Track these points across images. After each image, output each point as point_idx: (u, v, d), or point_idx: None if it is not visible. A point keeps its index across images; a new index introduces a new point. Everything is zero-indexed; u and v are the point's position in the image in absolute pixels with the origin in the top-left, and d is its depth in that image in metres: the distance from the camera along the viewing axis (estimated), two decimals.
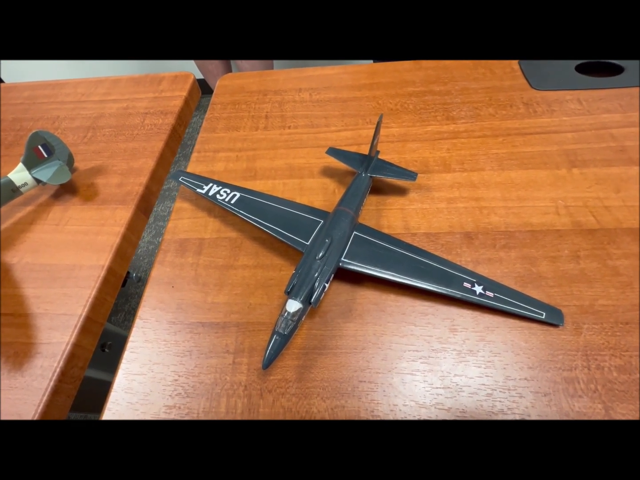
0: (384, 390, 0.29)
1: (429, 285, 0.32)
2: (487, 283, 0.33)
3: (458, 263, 0.34)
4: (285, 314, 0.30)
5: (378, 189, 0.42)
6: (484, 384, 0.29)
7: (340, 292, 0.35)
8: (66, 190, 0.46)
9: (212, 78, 1.44)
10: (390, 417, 0.28)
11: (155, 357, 0.33)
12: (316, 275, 0.31)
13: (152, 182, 0.47)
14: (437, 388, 0.29)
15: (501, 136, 0.45)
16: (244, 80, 0.58)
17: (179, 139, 0.54)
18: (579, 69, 0.50)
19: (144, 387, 0.31)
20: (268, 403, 0.30)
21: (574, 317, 0.31)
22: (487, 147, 0.44)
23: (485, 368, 0.30)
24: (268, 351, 0.29)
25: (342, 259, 0.34)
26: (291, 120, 0.51)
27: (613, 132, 0.43)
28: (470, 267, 0.34)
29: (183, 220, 0.42)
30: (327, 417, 0.29)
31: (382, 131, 0.47)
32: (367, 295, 0.34)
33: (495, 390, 0.29)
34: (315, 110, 0.52)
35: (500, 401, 0.28)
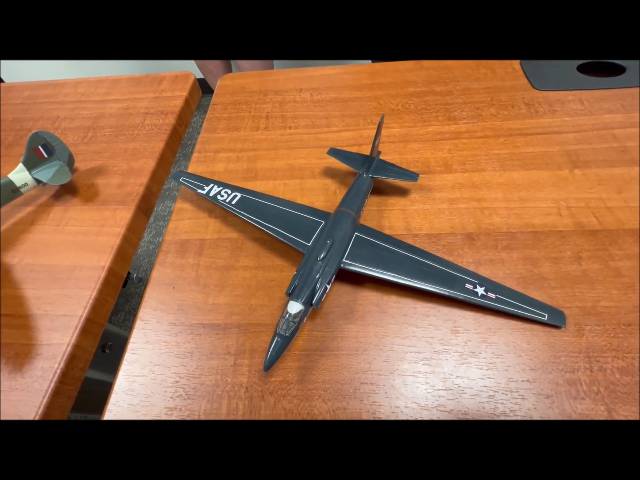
0: (386, 392, 0.29)
1: (430, 287, 0.32)
2: (489, 284, 0.32)
3: (460, 264, 0.34)
4: (287, 316, 0.29)
5: (379, 190, 0.42)
6: (486, 386, 0.29)
7: (342, 294, 0.34)
8: (66, 191, 0.46)
9: (212, 78, 1.43)
10: (392, 419, 0.28)
11: (156, 358, 0.33)
12: (317, 276, 0.31)
13: (152, 183, 0.46)
14: (439, 390, 0.29)
15: (503, 136, 0.45)
16: (245, 81, 0.58)
17: (179, 139, 0.54)
18: (581, 69, 0.50)
19: (144, 389, 0.31)
20: (269, 405, 0.30)
21: (576, 318, 0.31)
22: (488, 147, 0.44)
23: (487, 370, 0.29)
24: (269, 353, 0.29)
25: (344, 260, 0.33)
26: (292, 121, 0.51)
27: (615, 132, 0.43)
28: (472, 268, 0.34)
29: (184, 221, 0.42)
30: (328, 419, 0.29)
31: (383, 131, 0.47)
32: (369, 297, 0.34)
33: (498, 392, 0.29)
34: (316, 111, 0.52)
35: (502, 403, 0.28)
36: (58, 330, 0.34)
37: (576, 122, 0.45)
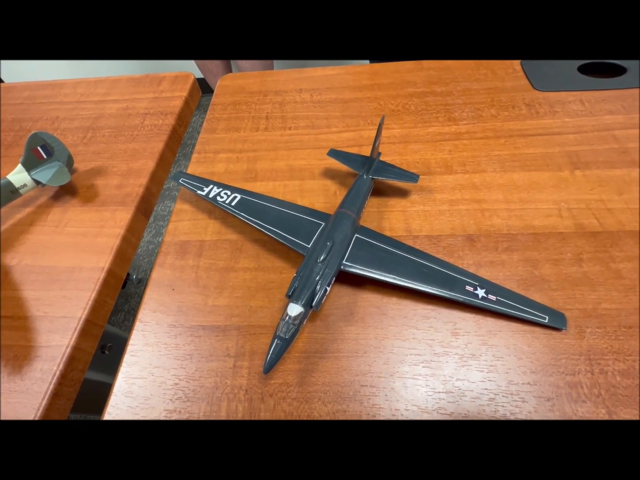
0: (386, 395, 0.29)
1: (431, 289, 0.32)
2: (490, 286, 0.32)
3: (460, 266, 0.34)
4: (287, 318, 0.29)
5: (379, 191, 0.42)
6: (486, 389, 0.29)
7: (342, 296, 0.34)
8: (66, 192, 0.45)
9: (212, 77, 1.43)
10: (392, 420, 0.28)
11: (156, 360, 0.32)
12: (317, 278, 0.31)
13: (152, 183, 0.46)
14: (439, 392, 0.29)
15: (503, 137, 0.45)
16: (245, 81, 0.58)
17: (179, 140, 0.54)
18: (582, 69, 0.50)
19: (144, 391, 0.31)
20: (269, 407, 0.29)
21: (577, 320, 0.31)
22: (489, 148, 0.44)
23: (487, 372, 0.29)
24: (269, 355, 0.29)
25: (344, 261, 0.33)
26: (292, 121, 0.51)
27: (616, 133, 0.43)
28: (472, 270, 0.34)
29: (183, 222, 0.42)
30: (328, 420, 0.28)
31: (384, 132, 0.47)
32: (369, 299, 0.34)
33: (498, 394, 0.28)
34: (316, 111, 0.52)
35: (502, 406, 0.28)
36: (57, 332, 0.34)
37: (577, 123, 0.45)
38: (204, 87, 0.85)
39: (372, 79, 0.55)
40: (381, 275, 0.33)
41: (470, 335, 0.31)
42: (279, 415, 0.29)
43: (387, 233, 0.38)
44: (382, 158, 0.43)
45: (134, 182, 0.45)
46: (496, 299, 0.31)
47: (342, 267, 0.33)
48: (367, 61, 0.91)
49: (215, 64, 1.39)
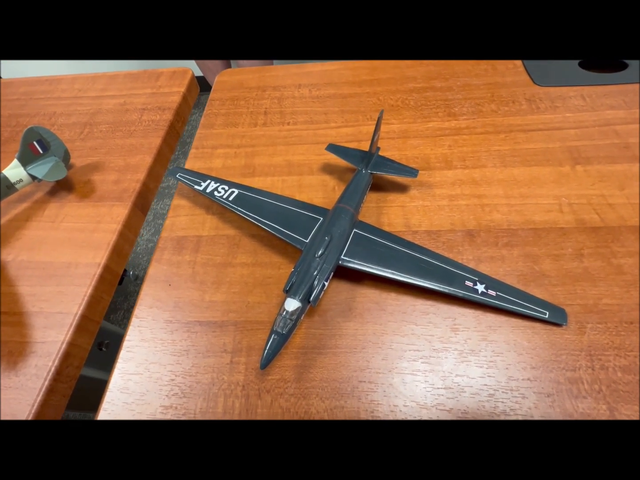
0: (384, 391, 0.29)
1: (430, 284, 0.32)
2: (489, 282, 0.32)
3: (460, 261, 0.34)
4: (284, 313, 0.29)
5: (378, 186, 0.41)
6: (486, 385, 0.28)
7: (340, 291, 0.34)
8: (62, 187, 0.45)
9: (211, 75, 1.43)
10: (391, 418, 0.28)
11: (152, 356, 0.32)
12: (315, 273, 0.31)
13: (149, 179, 0.46)
14: (438, 388, 0.29)
15: (503, 133, 0.44)
16: (243, 76, 0.57)
17: (177, 136, 0.54)
18: (583, 64, 0.50)
19: (140, 387, 0.31)
20: (266, 403, 0.29)
21: (577, 316, 0.31)
22: (489, 143, 0.43)
23: (487, 368, 0.29)
24: (266, 351, 0.29)
25: (342, 256, 0.33)
26: (290, 117, 0.50)
27: (617, 128, 0.43)
28: (472, 265, 0.34)
29: (180, 218, 0.41)
30: (326, 418, 0.28)
31: (383, 127, 0.46)
32: (367, 294, 0.34)
33: (498, 390, 0.28)
34: (314, 107, 0.51)
35: (502, 402, 0.28)
36: (53, 328, 0.34)
37: (578, 118, 0.44)
38: (202, 85, 0.85)
39: (371, 74, 0.54)
40: (380, 270, 0.32)
41: (470, 331, 0.31)
42: (276, 411, 0.29)
43: (386, 228, 0.37)
44: (381, 153, 0.42)
45: (131, 178, 0.45)
46: (496, 294, 0.31)
47: (340, 262, 0.33)
48: None
49: (214, 62, 1.39)
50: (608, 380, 0.28)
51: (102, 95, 0.57)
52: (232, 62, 1.49)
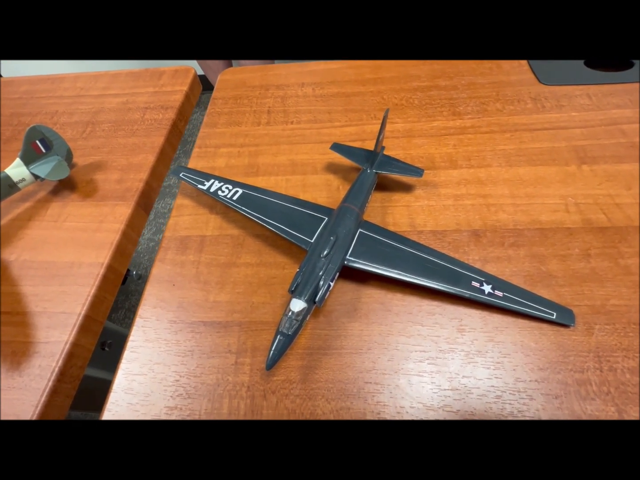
0: (391, 392, 0.29)
1: (436, 284, 0.31)
2: (496, 282, 0.32)
3: (466, 261, 0.33)
4: (289, 314, 0.29)
5: (383, 186, 0.41)
6: (493, 386, 0.28)
7: (345, 291, 0.34)
8: (65, 186, 0.45)
9: (212, 74, 1.43)
10: (397, 420, 0.28)
11: (156, 357, 0.32)
12: (321, 273, 0.30)
13: (152, 178, 0.46)
14: (445, 390, 0.28)
15: (509, 132, 0.44)
16: (246, 75, 0.57)
17: (179, 134, 0.54)
18: (588, 63, 0.49)
19: (144, 388, 0.31)
20: (271, 404, 0.29)
21: (585, 317, 0.30)
22: (494, 143, 0.43)
23: (494, 369, 0.29)
24: (272, 351, 0.28)
25: (347, 257, 0.33)
26: (294, 116, 0.50)
27: (623, 127, 0.42)
28: (478, 265, 0.33)
29: (184, 217, 0.41)
30: (332, 419, 0.28)
31: (387, 126, 0.46)
32: (373, 295, 0.33)
33: (505, 392, 0.28)
34: (318, 105, 0.51)
35: (510, 403, 0.27)
36: (56, 328, 0.34)
37: (584, 117, 0.44)
38: (204, 84, 0.84)
39: (375, 72, 0.54)
40: (385, 270, 0.32)
41: (477, 332, 0.31)
42: (282, 412, 0.28)
43: (391, 228, 0.37)
44: (385, 152, 0.42)
45: (134, 177, 0.45)
46: (503, 295, 0.31)
47: (345, 262, 0.33)
48: None
49: (216, 61, 1.38)
50: (616, 381, 0.28)
51: (105, 94, 0.57)
52: (234, 61, 1.49)
